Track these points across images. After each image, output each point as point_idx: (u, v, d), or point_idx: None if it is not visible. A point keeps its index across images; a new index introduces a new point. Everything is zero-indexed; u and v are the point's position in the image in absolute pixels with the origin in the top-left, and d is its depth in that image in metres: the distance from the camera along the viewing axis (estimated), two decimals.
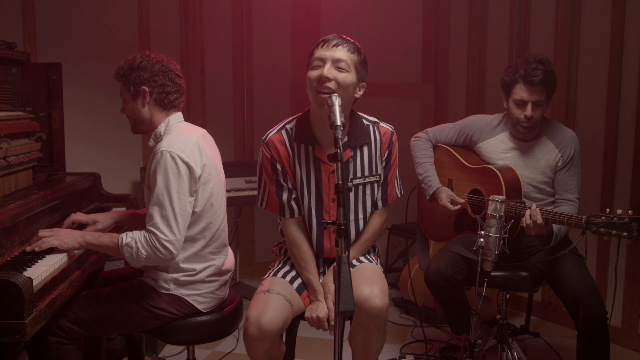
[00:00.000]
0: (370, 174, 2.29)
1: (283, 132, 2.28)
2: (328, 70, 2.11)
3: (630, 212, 2.30)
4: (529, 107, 2.69)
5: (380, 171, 2.31)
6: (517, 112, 2.74)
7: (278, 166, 2.26)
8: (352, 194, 2.27)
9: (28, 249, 2.14)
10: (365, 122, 2.32)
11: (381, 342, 2.21)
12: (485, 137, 2.90)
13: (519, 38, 3.83)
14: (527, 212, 2.50)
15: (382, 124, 2.34)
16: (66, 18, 3.78)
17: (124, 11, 3.97)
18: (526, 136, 2.79)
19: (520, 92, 2.69)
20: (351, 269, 2.26)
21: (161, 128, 2.27)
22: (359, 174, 2.27)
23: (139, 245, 2.10)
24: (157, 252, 2.10)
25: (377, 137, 2.31)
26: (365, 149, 2.28)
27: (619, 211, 2.30)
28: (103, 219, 2.45)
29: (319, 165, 2.24)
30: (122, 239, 2.13)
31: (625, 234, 2.26)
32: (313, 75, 2.14)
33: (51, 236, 2.17)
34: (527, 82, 2.67)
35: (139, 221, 2.53)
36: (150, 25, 4.05)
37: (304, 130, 2.25)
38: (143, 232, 2.13)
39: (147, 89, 2.24)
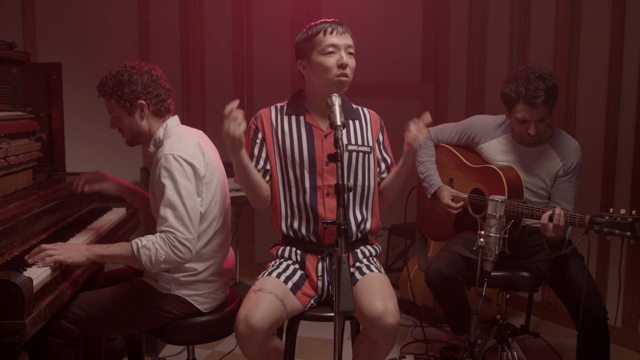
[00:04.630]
0: (363, 144, 2.36)
1: (273, 107, 2.39)
2: (346, 58, 2.25)
3: (633, 212, 2.28)
4: (532, 125, 2.66)
5: (370, 144, 2.39)
6: (520, 129, 2.71)
7: (260, 135, 2.35)
8: (346, 160, 2.32)
9: (30, 260, 2.01)
10: (354, 106, 2.44)
11: (387, 353, 2.21)
12: (487, 139, 2.89)
13: (519, 38, 3.83)
14: (547, 215, 2.44)
15: (370, 109, 2.48)
16: (66, 18, 3.78)
17: (124, 11, 3.97)
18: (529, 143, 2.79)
19: (523, 112, 2.65)
20: (360, 276, 2.28)
21: (160, 133, 2.27)
22: (352, 142, 2.35)
23: (157, 247, 2.06)
24: (177, 251, 2.08)
25: (367, 115, 2.44)
26: (357, 123, 2.39)
27: (623, 211, 2.29)
28: (109, 183, 2.51)
29: (310, 130, 2.32)
30: (137, 243, 2.07)
31: (628, 233, 2.25)
32: (331, 61, 2.23)
33: (55, 251, 2.05)
34: (529, 104, 2.61)
35: (139, 200, 2.56)
36: (150, 25, 4.05)
37: (295, 105, 2.36)
38: (157, 234, 2.10)
39: (144, 102, 2.24)
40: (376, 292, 2.15)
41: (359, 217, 2.35)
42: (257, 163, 2.35)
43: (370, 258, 2.40)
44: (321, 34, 2.26)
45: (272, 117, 2.35)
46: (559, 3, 3.61)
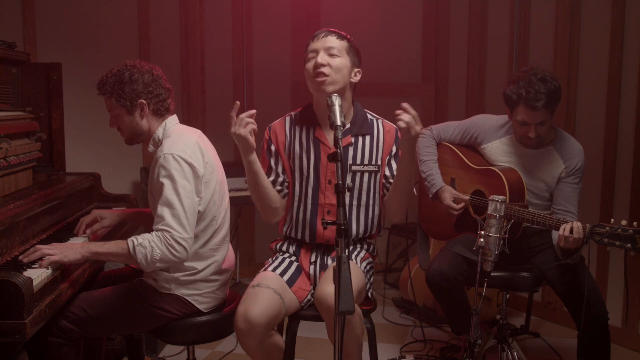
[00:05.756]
0: (370, 164, 2.35)
1: (287, 117, 2.42)
2: (321, 57, 2.26)
3: (635, 223, 2.26)
4: (533, 129, 2.64)
5: (379, 162, 2.37)
6: (520, 131, 2.70)
7: (272, 147, 2.39)
8: (349, 180, 2.33)
9: (25, 260, 2.01)
10: (369, 116, 2.42)
11: (355, 341, 2.18)
12: (490, 139, 2.88)
13: (519, 38, 3.82)
14: (566, 227, 2.37)
15: (386, 120, 2.44)
16: (66, 18, 3.78)
17: (124, 11, 3.97)
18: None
19: (523, 114, 2.62)
20: (331, 265, 2.28)
21: (159, 132, 2.27)
22: (358, 161, 2.33)
23: (153, 245, 2.06)
24: (173, 250, 2.07)
25: (381, 130, 2.39)
26: (367, 139, 2.36)
27: (624, 222, 2.27)
28: (109, 215, 2.46)
29: (318, 146, 2.33)
30: (133, 241, 2.07)
31: (629, 245, 2.23)
32: (309, 65, 2.30)
33: (50, 250, 2.05)
34: (529, 107, 2.59)
35: (144, 219, 2.53)
36: (150, 25, 4.05)
37: (307, 115, 2.38)
38: (153, 232, 2.10)
39: (144, 101, 2.23)
40: (330, 277, 2.12)
41: (362, 230, 2.39)
42: (277, 176, 2.38)
43: (355, 251, 2.42)
44: (308, 45, 2.34)
45: (287, 129, 2.38)
46: (559, 3, 3.60)
